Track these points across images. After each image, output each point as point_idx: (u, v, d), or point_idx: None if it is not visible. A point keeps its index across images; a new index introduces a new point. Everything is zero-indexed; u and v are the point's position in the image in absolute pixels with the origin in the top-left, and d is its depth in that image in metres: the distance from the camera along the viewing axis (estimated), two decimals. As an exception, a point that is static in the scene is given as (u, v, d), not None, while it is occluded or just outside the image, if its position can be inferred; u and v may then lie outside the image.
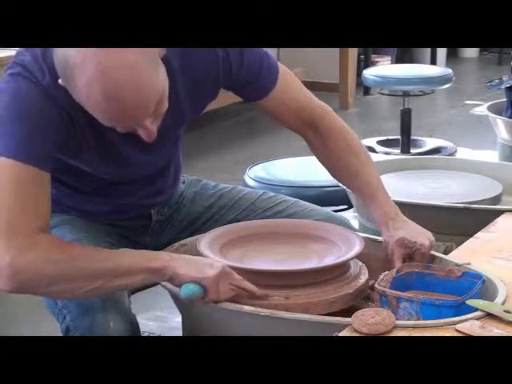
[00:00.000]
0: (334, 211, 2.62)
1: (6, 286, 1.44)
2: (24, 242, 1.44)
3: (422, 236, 1.68)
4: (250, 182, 2.60)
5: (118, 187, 1.75)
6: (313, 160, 2.85)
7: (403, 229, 1.69)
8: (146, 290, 1.84)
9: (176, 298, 1.60)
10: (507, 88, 3.42)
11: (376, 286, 1.50)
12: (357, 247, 1.64)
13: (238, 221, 1.85)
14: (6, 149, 1.46)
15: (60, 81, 1.45)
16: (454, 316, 1.40)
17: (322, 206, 2.61)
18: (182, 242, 1.76)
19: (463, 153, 4.82)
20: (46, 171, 1.50)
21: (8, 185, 1.46)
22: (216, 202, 1.91)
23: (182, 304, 1.62)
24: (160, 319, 2.70)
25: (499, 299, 1.46)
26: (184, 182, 1.94)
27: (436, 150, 4.81)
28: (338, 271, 1.62)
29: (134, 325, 1.60)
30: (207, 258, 1.58)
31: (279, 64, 1.77)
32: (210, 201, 1.91)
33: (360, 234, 1.79)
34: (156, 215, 1.85)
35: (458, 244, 1.81)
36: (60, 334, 1.60)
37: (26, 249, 1.44)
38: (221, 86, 1.71)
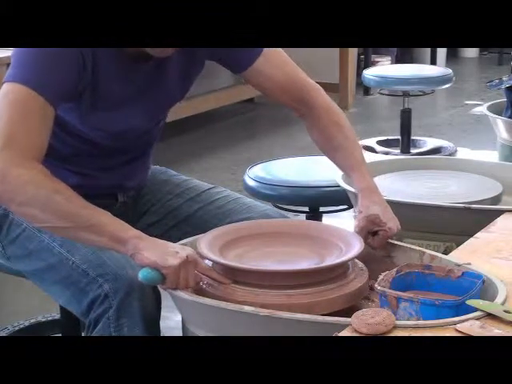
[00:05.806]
0: (333, 211, 2.63)
1: None
2: (17, 157, 1.52)
3: (392, 221, 1.77)
4: (250, 182, 2.60)
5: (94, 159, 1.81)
6: (313, 160, 2.87)
7: (380, 206, 1.78)
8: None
9: (176, 298, 1.60)
10: (507, 88, 3.42)
11: (376, 286, 1.50)
12: (357, 247, 1.64)
13: (182, 207, 1.93)
14: (21, 76, 1.57)
15: None
16: (453, 316, 1.40)
17: (322, 206, 2.59)
18: (182, 241, 1.76)
19: (463, 153, 4.82)
20: (53, 107, 1.58)
21: (15, 106, 1.55)
22: (171, 188, 1.98)
23: (182, 304, 1.61)
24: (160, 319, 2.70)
25: (499, 299, 1.46)
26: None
27: (436, 150, 4.81)
28: (338, 271, 1.62)
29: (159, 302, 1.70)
30: (175, 245, 1.60)
31: None
32: (167, 188, 1.98)
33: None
34: (122, 197, 1.90)
35: (458, 244, 1.81)
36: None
37: (17, 163, 1.52)
38: (211, 53, 1.80)
